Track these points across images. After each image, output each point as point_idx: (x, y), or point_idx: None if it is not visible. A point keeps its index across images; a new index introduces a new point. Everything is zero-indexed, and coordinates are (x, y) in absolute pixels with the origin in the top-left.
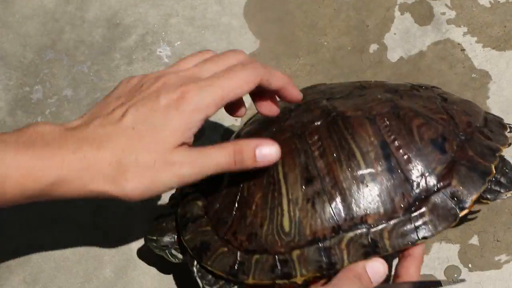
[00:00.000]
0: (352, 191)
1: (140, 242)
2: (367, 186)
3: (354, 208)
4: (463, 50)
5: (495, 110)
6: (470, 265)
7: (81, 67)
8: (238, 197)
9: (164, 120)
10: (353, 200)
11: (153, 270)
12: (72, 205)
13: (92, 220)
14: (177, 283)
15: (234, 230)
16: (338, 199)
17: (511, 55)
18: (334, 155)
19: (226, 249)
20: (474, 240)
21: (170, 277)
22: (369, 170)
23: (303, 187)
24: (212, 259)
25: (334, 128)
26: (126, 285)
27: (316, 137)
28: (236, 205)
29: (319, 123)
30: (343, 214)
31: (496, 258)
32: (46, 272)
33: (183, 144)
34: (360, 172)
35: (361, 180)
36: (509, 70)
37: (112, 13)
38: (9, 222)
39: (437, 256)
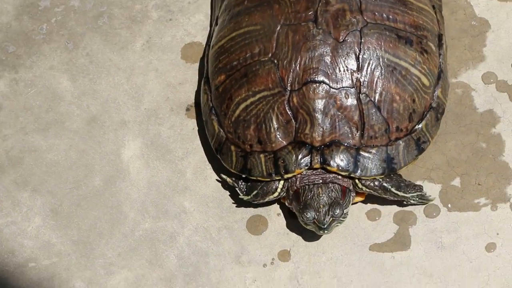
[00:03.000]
0: None
1: (131, 155)
2: None
3: None
4: None
5: (490, 59)
6: (449, 205)
7: None
8: None
9: None
10: None
11: (141, 183)
12: (68, 113)
13: (87, 129)
14: (161, 198)
15: None
16: None
17: None
18: None
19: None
20: (456, 182)
21: (156, 191)
22: None
23: None
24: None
25: None
26: (113, 195)
27: None
28: None
29: None
30: None
31: (476, 201)
32: (37, 176)
33: None
34: None
35: None
36: (509, 21)
37: None
38: (4, 123)
39: None
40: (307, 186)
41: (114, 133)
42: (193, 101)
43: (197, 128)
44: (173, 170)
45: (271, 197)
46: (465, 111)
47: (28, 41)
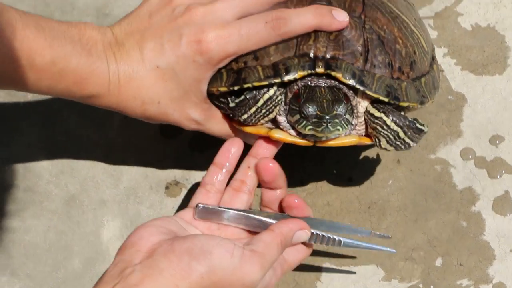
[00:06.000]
0: None
1: (110, 235)
2: None
3: None
4: (441, 71)
5: (468, 133)
6: (432, 287)
7: None
8: None
9: None
10: None
11: None
12: (46, 192)
13: (65, 209)
14: None
15: None
16: None
17: (487, 80)
18: None
19: None
20: (438, 262)
21: None
22: None
23: None
24: None
25: None
26: (93, 278)
27: None
28: None
29: None
30: None
31: (458, 282)
32: (15, 258)
33: None
34: None
35: None
36: (484, 95)
37: (103, 3)
38: None
39: (399, 275)
40: (308, 86)
41: (93, 212)
42: (173, 178)
43: (176, 208)
44: None
45: (266, 96)
46: (444, 188)
47: (4, 118)
